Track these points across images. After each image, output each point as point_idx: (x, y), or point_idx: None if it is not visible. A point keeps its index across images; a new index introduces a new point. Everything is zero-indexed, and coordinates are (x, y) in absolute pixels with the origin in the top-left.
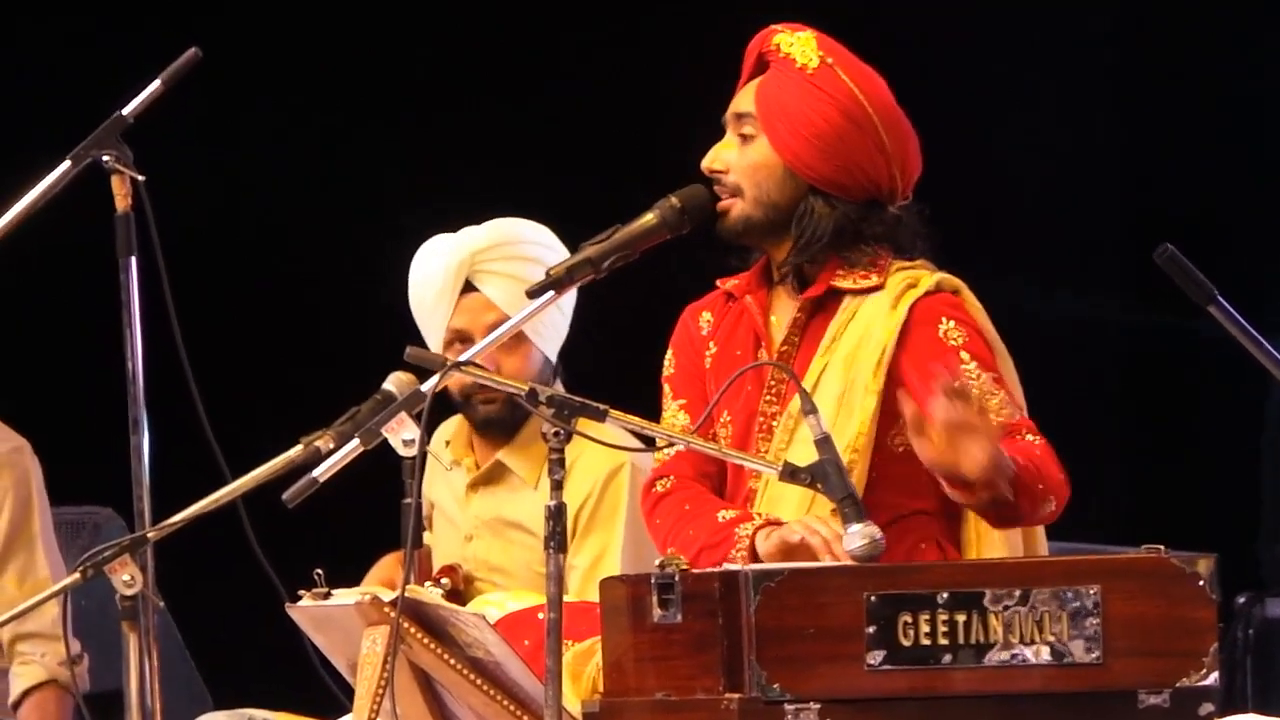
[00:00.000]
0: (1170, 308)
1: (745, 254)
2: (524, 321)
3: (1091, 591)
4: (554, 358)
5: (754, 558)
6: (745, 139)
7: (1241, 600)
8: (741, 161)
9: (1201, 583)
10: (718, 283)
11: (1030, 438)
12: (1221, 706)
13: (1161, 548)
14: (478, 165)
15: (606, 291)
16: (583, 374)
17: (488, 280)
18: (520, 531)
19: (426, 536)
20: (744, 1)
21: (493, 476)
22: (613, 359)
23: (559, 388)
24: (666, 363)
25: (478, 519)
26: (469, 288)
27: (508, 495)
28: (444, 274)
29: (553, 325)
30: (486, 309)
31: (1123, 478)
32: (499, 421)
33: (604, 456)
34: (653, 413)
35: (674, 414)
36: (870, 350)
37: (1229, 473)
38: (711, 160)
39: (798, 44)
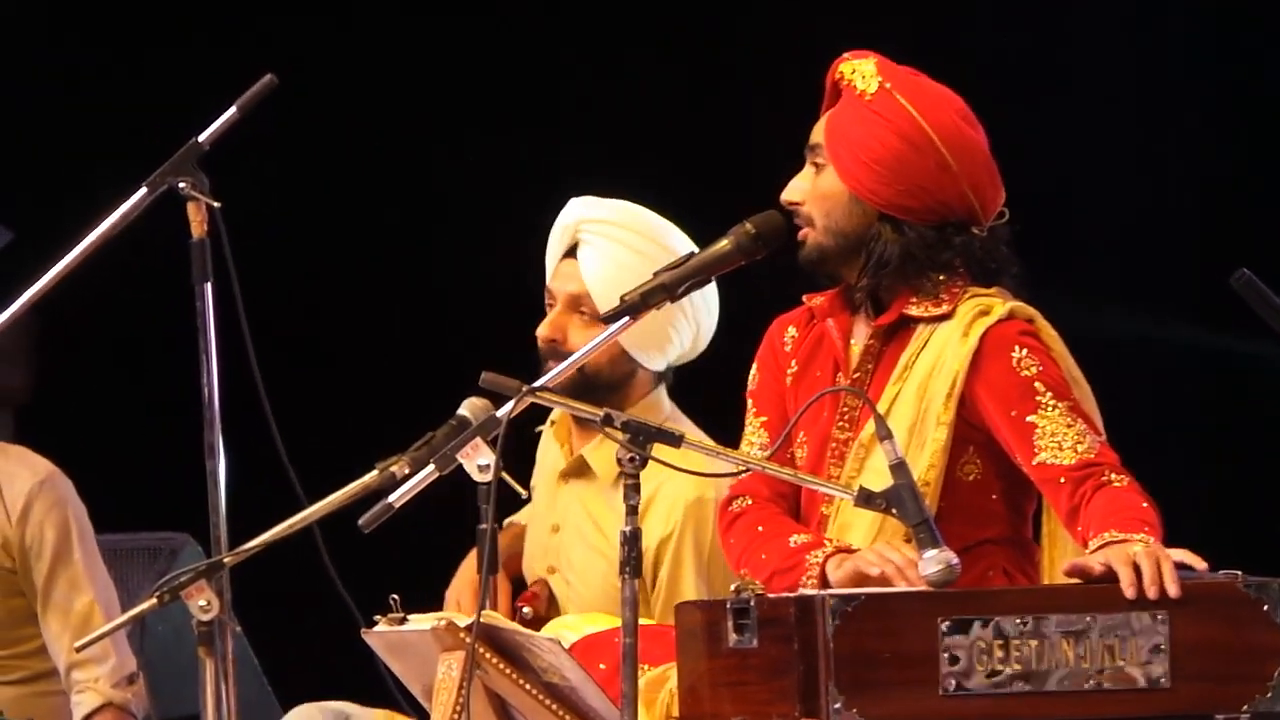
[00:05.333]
0: (1248, 331)
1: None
2: (599, 347)
3: (1160, 616)
4: (653, 366)
5: (824, 585)
6: (818, 169)
7: None
8: (813, 192)
9: (1266, 607)
10: (804, 298)
11: (1115, 478)
12: None
13: (1239, 573)
14: (555, 188)
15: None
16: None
17: (585, 249)
18: (595, 530)
19: (523, 514)
20: (830, 29)
21: (580, 470)
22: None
23: (664, 398)
24: (751, 376)
25: (565, 511)
26: (571, 252)
27: (591, 492)
28: (557, 229)
29: (646, 332)
30: (573, 278)
31: (1200, 501)
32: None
33: (688, 482)
34: (733, 428)
35: (756, 430)
36: (942, 381)
37: None
38: (788, 193)
39: (859, 71)
